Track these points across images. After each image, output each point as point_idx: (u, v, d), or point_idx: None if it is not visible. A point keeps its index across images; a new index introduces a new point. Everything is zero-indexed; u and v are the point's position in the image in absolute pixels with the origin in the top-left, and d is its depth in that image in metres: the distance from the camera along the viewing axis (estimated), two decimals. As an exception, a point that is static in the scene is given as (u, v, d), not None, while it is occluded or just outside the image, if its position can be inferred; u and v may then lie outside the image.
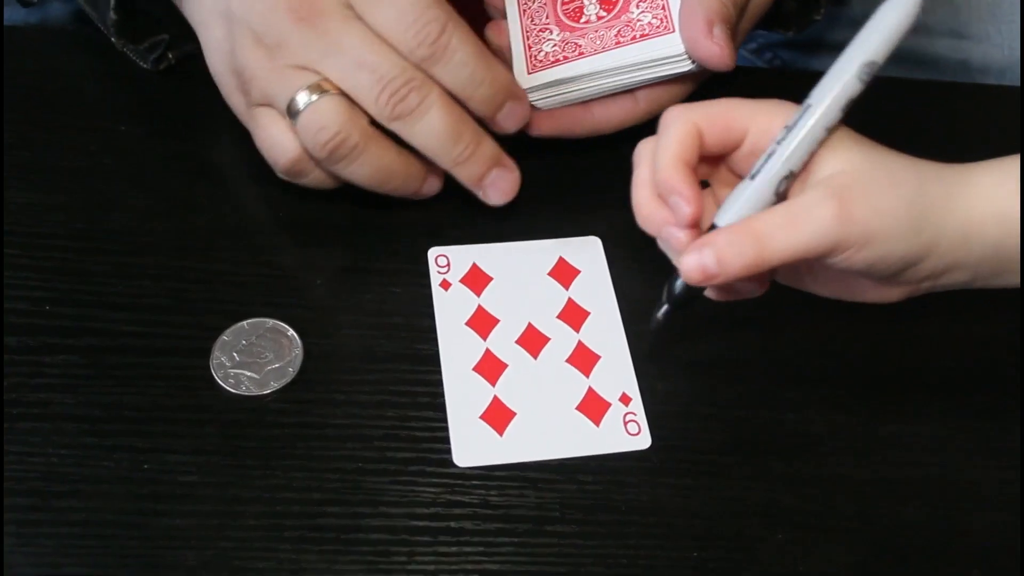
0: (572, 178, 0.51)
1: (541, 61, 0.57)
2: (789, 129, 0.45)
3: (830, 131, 0.45)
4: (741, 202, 0.46)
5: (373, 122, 0.52)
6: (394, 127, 0.51)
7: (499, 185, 0.54)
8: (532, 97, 0.57)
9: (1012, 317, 0.55)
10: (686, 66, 0.55)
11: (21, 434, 0.48)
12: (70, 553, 0.46)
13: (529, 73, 0.57)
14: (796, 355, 0.55)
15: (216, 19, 0.53)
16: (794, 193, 0.46)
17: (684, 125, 0.46)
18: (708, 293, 0.50)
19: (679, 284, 0.48)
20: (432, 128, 0.51)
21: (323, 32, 0.50)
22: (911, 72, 0.77)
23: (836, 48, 0.79)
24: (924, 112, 0.68)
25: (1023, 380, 0.54)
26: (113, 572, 0.45)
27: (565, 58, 0.56)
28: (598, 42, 0.56)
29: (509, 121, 0.54)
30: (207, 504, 0.47)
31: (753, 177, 0.46)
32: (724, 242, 0.45)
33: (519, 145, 0.56)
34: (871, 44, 0.44)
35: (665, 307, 0.50)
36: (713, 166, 0.49)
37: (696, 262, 0.45)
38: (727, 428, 0.52)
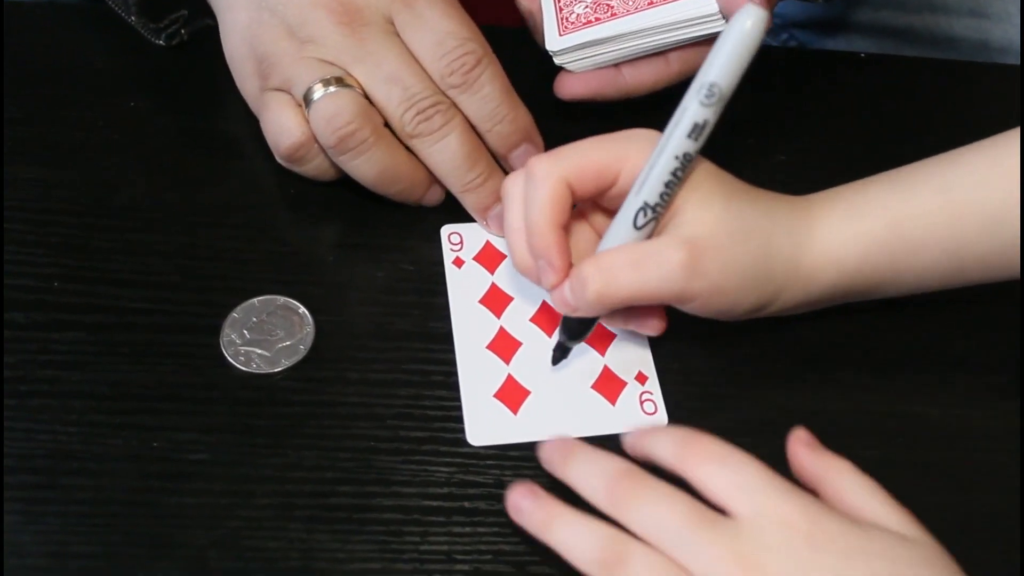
0: None
1: (572, 23, 0.56)
2: (647, 166, 0.46)
3: (682, 159, 0.45)
4: (606, 243, 0.48)
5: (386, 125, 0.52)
6: (413, 144, 0.53)
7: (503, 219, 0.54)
8: (563, 59, 0.56)
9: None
10: (720, 26, 0.54)
11: (29, 411, 0.48)
12: (77, 532, 0.45)
13: (560, 35, 0.56)
14: (815, 335, 0.55)
15: (244, 3, 0.53)
16: (662, 231, 0.47)
17: (553, 185, 0.47)
18: (608, 323, 0.51)
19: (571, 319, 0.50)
20: (449, 151, 0.53)
21: (361, 40, 0.52)
22: (930, 52, 0.76)
23: (852, 28, 0.79)
24: (943, 92, 0.67)
25: (1022, 365, 0.54)
26: (121, 551, 0.45)
27: (597, 19, 0.55)
28: (630, 3, 0.55)
29: (522, 162, 0.54)
30: (217, 483, 0.47)
31: (615, 222, 0.48)
32: (574, 275, 0.47)
33: (545, 112, 0.56)
34: (710, 67, 0.43)
35: (559, 340, 0.51)
36: (587, 202, 0.50)
37: (559, 295, 0.48)
38: (744, 408, 0.52)
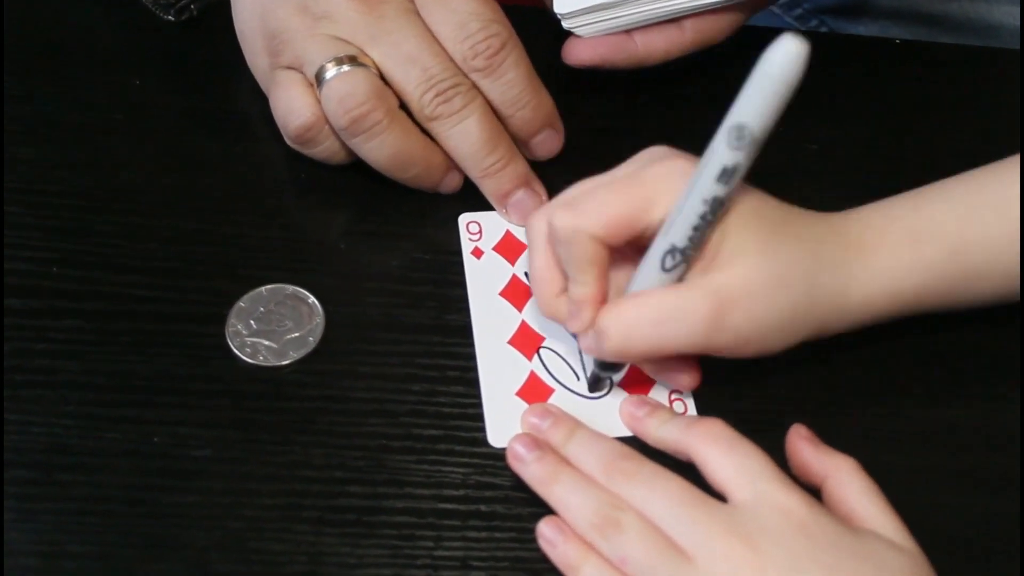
0: (613, 141, 0.52)
1: None
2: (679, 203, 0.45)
3: (711, 203, 0.43)
4: (634, 280, 0.47)
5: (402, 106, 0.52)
6: (431, 126, 0.52)
7: (523, 206, 0.55)
8: (571, 23, 0.55)
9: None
10: None
11: (23, 403, 0.47)
12: (72, 530, 0.45)
13: None
14: (852, 337, 0.53)
15: None
16: (694, 273, 0.46)
17: (582, 242, 0.46)
18: (642, 367, 0.51)
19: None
20: (469, 134, 0.52)
21: (379, 17, 0.51)
22: (968, 39, 0.75)
23: (885, 15, 0.78)
24: (981, 80, 0.66)
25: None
26: (117, 551, 0.45)
27: None
28: None
29: (542, 148, 0.55)
30: (219, 481, 0.47)
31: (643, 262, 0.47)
32: (596, 325, 0.47)
33: (560, 97, 0.55)
34: (740, 105, 0.41)
35: (593, 370, 0.50)
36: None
37: (584, 342, 0.48)
38: (778, 409, 0.51)
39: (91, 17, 0.61)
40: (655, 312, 0.46)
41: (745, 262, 0.45)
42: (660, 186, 0.46)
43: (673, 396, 0.50)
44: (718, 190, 0.42)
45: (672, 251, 0.45)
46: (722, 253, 0.45)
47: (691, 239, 0.44)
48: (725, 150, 0.41)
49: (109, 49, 0.60)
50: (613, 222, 0.46)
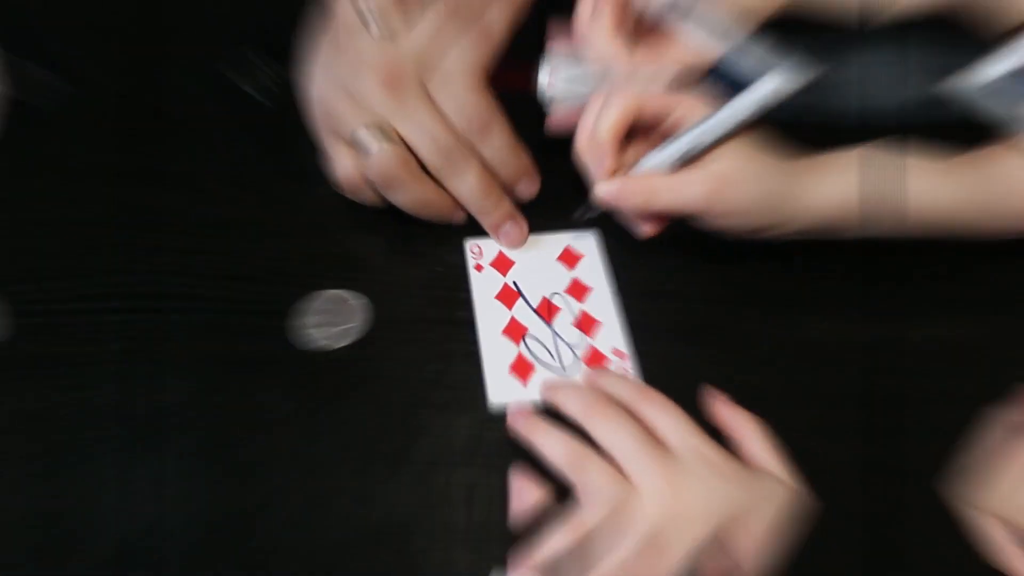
0: (575, 185, 0.59)
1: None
2: (699, 124, 0.55)
3: (742, 123, 0.54)
4: (651, 162, 0.56)
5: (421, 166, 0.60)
6: (441, 179, 0.60)
7: (510, 234, 0.63)
8: (556, 100, 0.60)
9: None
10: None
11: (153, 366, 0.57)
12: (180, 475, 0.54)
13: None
14: (810, 328, 0.60)
15: (322, 78, 0.62)
16: (692, 166, 0.56)
17: (626, 105, 0.56)
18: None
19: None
20: (469, 185, 0.61)
21: (401, 100, 0.59)
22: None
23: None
24: None
25: None
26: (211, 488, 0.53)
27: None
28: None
29: (523, 192, 0.64)
30: (289, 438, 0.55)
31: (662, 149, 0.56)
32: (627, 184, 0.56)
33: (537, 154, 0.62)
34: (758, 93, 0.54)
35: (585, 210, 0.59)
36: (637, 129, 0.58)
37: (604, 191, 0.57)
38: (726, 392, 0.57)
39: (225, 111, 0.69)
40: (672, 182, 0.56)
41: (738, 155, 0.56)
42: (687, 99, 0.57)
43: (622, 368, 0.58)
44: (752, 115, 0.54)
45: (692, 150, 0.55)
46: (718, 153, 0.56)
47: (708, 146, 0.55)
48: (782, 79, 0.53)
49: (221, 123, 0.67)
50: (651, 102, 0.56)
